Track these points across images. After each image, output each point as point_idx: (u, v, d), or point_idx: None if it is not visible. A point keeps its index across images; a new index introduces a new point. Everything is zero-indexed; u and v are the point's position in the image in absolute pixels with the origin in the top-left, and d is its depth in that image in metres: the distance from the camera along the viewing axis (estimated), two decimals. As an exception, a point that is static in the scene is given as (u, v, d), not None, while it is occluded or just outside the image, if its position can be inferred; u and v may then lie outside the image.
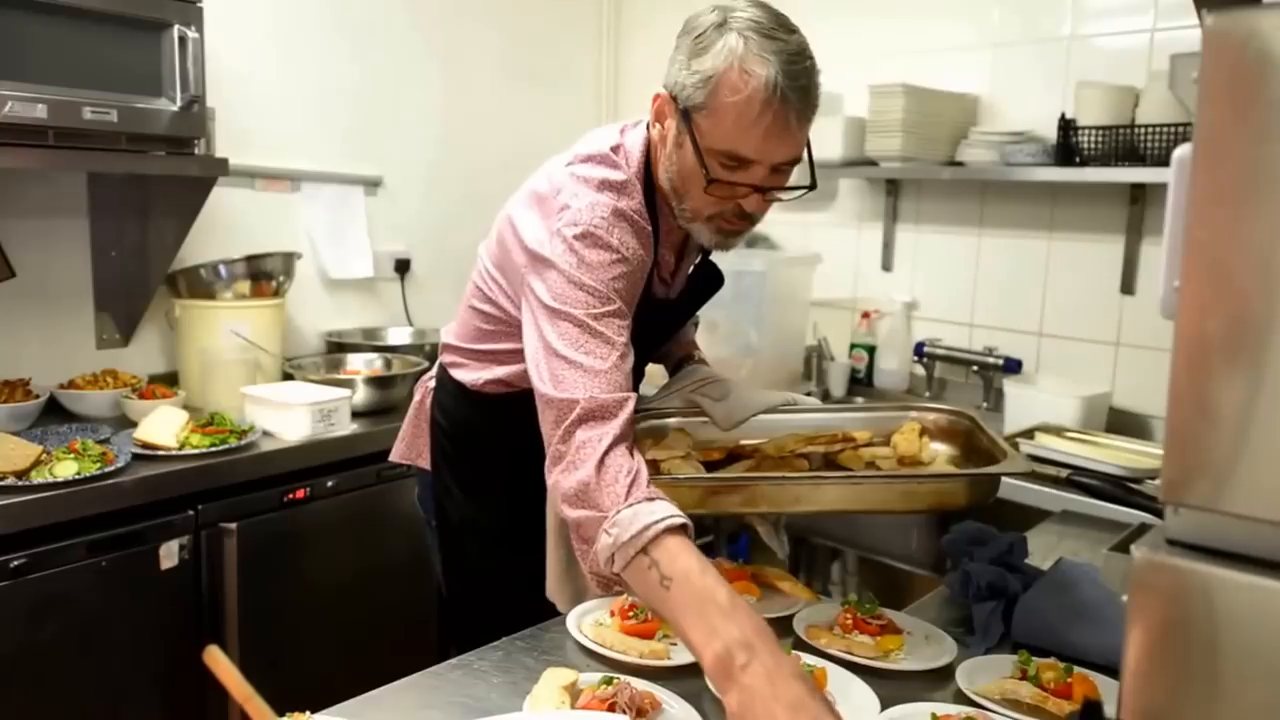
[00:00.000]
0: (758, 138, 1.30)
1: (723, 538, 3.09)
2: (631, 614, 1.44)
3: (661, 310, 1.59)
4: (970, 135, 2.81)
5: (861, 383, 3.10)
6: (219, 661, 0.84)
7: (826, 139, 2.99)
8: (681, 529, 1.17)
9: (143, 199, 2.59)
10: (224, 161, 2.41)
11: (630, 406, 1.28)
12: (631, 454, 1.26)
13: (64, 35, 2.06)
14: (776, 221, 3.40)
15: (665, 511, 1.17)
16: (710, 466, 1.59)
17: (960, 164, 2.82)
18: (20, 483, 1.91)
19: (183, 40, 2.21)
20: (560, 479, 1.26)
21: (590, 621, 1.47)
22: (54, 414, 2.39)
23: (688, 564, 1.12)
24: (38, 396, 2.33)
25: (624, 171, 1.43)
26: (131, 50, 2.18)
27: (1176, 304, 0.79)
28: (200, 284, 2.63)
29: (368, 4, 3.11)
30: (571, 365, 1.28)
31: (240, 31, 2.78)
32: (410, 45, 3.24)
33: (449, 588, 1.79)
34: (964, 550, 1.66)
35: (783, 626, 1.50)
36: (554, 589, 1.57)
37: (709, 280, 1.67)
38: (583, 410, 1.25)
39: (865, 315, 3.14)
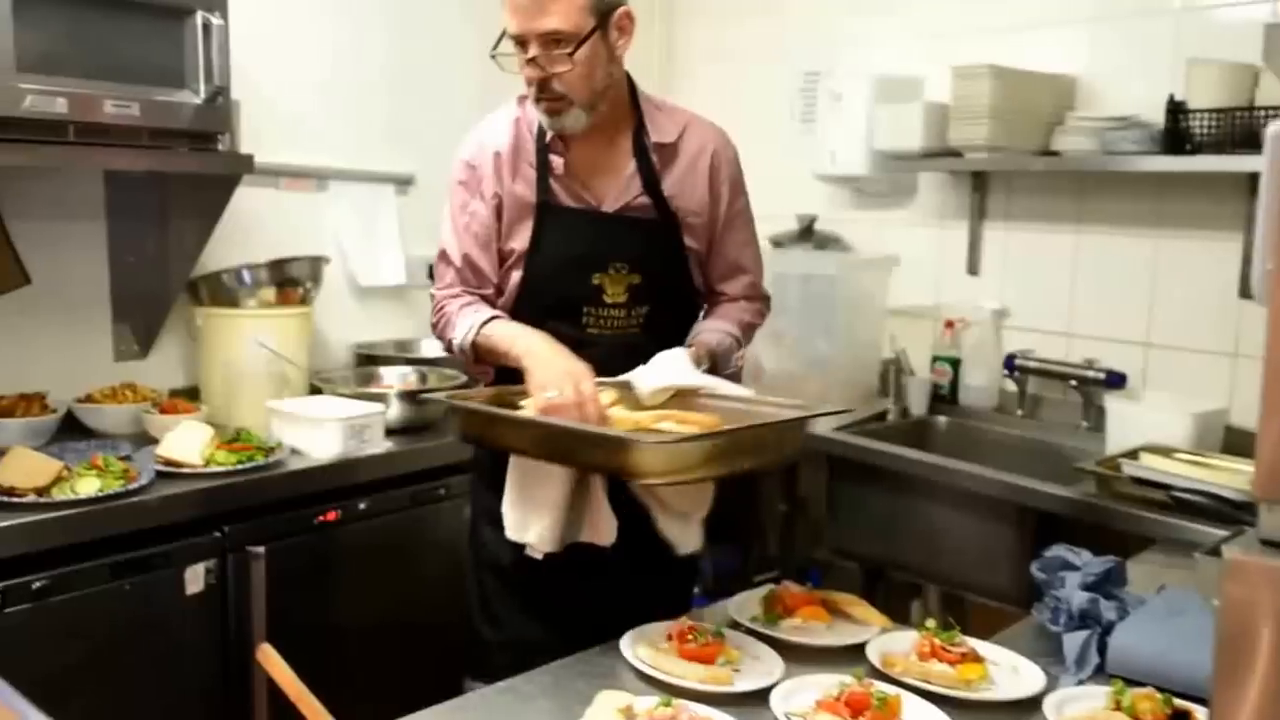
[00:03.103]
0: (510, 13, 1.83)
1: (791, 572, 3.14)
2: (691, 637, 1.52)
3: (584, 217, 1.97)
4: (1066, 121, 2.84)
5: (945, 399, 3.14)
6: (272, 659, 0.93)
7: (904, 127, 3.06)
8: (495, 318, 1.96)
9: (162, 199, 2.74)
10: (249, 158, 2.54)
11: (470, 300, 2.01)
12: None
13: (84, 25, 2.20)
14: (847, 220, 3.47)
15: (481, 316, 1.96)
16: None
17: (1055, 154, 2.85)
18: (41, 500, 2.05)
19: (207, 28, 2.34)
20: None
21: (646, 646, 1.54)
22: (71, 429, 2.53)
23: (494, 330, 1.94)
24: (54, 411, 2.48)
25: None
26: (153, 39, 2.32)
27: (1271, 288, 0.85)
28: (223, 291, 2.76)
29: (400, -13, 3.24)
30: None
31: (261, 17, 2.88)
32: (446, 33, 3.36)
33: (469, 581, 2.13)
34: (1055, 576, 1.71)
35: (855, 654, 1.56)
36: (506, 511, 1.91)
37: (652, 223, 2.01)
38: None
39: (949, 324, 3.18)
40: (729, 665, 1.50)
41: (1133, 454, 2.47)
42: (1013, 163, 2.95)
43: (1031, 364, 3.01)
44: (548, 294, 2.00)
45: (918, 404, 3.13)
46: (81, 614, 2.06)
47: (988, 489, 2.53)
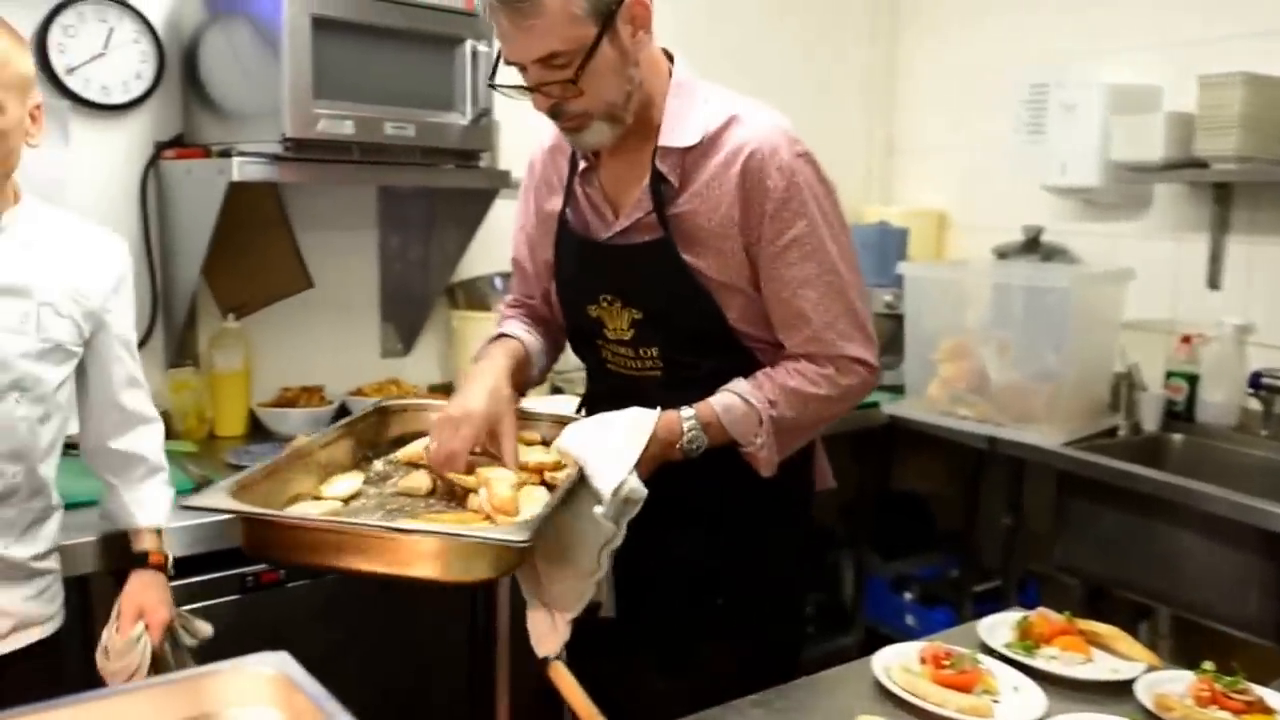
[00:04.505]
0: (501, 40, 1.47)
1: (1012, 583, 2.94)
2: (947, 662, 1.39)
3: (577, 240, 1.62)
4: (1325, 131, 2.54)
5: (1180, 417, 2.85)
6: (563, 678, 0.88)
7: (1144, 138, 2.81)
8: (504, 336, 1.71)
9: (428, 211, 2.80)
10: (506, 174, 2.55)
11: (507, 313, 1.80)
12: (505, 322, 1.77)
13: (369, 54, 2.24)
14: (1073, 232, 3.22)
15: (497, 332, 1.73)
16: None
17: (1313, 165, 2.55)
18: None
19: (474, 55, 2.35)
20: None
21: (898, 667, 1.42)
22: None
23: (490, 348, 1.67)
24: (330, 403, 2.56)
25: None
26: (427, 66, 2.35)
27: None
28: (476, 295, 2.80)
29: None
30: None
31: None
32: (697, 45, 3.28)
33: None
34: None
35: (1119, 692, 1.40)
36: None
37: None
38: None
39: (1185, 339, 2.89)
40: (988, 695, 1.36)
41: (1401, 483, 2.18)
42: (1265, 174, 2.65)
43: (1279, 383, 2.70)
44: (569, 321, 1.71)
45: (1150, 420, 2.85)
46: (349, 594, 2.08)
47: (1236, 513, 2.25)
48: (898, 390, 3.19)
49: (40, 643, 1.65)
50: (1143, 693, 1.37)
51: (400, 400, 1.86)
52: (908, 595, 3.31)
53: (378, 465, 1.62)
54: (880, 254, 3.36)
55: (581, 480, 1.42)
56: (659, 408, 1.50)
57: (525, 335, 1.71)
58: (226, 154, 2.17)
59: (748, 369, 1.55)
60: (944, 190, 3.74)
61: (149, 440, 1.77)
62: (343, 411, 2.60)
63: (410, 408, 1.77)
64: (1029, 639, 1.51)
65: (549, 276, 1.70)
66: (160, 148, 2.41)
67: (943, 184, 3.74)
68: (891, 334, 3.26)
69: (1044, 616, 1.54)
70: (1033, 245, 3.21)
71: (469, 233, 2.71)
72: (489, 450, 1.52)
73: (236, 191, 2.14)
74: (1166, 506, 2.41)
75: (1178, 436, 2.84)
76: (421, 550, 1.28)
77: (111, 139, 2.37)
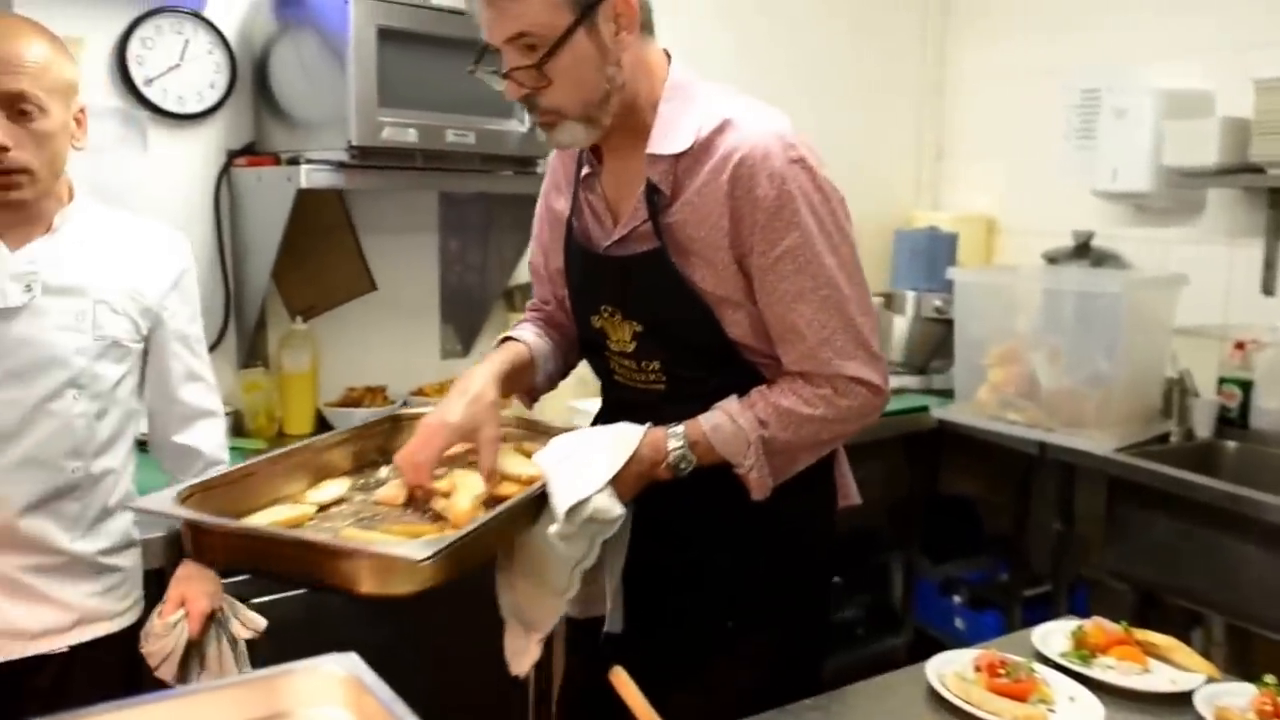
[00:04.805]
0: (481, 23, 1.39)
1: (1062, 589, 2.88)
2: (1002, 671, 1.36)
3: (579, 248, 1.54)
4: (1386, 137, 2.46)
5: (1234, 424, 2.78)
6: (624, 683, 0.87)
7: (1198, 143, 2.74)
8: (512, 339, 1.62)
9: (486, 216, 2.82)
10: (562, 180, 2.55)
11: (525, 316, 1.74)
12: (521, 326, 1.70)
13: (431, 63, 2.25)
14: (1123, 237, 3.15)
15: (506, 334, 1.65)
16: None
17: (1372, 171, 2.47)
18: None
19: (533, 64, 2.36)
20: None
21: (952, 674, 1.39)
22: (405, 419, 2.62)
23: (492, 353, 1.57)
24: (393, 402, 2.58)
25: None
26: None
27: None
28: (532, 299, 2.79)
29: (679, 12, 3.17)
30: None
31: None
32: (721, 56, 3.24)
33: None
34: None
35: (1178, 704, 1.36)
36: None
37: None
38: None
39: (1239, 345, 2.82)
40: (1044, 704, 1.33)
41: None
42: (1323, 180, 2.58)
43: (1337, 391, 2.61)
44: (579, 331, 1.62)
45: (1203, 426, 2.78)
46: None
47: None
48: (947, 395, 3.14)
49: (109, 638, 1.64)
50: (1202, 705, 1.33)
51: (415, 409, 1.78)
52: (956, 598, 3.26)
53: (382, 472, 1.56)
54: (929, 259, 3.32)
55: (545, 496, 1.36)
56: (649, 424, 1.43)
57: (533, 339, 1.63)
58: (295, 161, 2.20)
59: (754, 385, 1.45)
60: (993, 195, 3.67)
61: (208, 435, 1.77)
62: (403, 411, 2.63)
63: (425, 415, 1.72)
64: (1084, 648, 1.47)
65: (561, 283, 1.62)
66: (232, 156, 2.44)
67: (992, 189, 3.68)
68: (941, 339, 3.22)
69: (1099, 626, 1.50)
70: (1083, 250, 3.15)
71: (526, 237, 2.63)
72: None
73: (304, 198, 2.17)
74: (1220, 514, 2.35)
75: (1231, 443, 2.77)
76: (332, 562, 1.21)
77: (187, 147, 2.40)
